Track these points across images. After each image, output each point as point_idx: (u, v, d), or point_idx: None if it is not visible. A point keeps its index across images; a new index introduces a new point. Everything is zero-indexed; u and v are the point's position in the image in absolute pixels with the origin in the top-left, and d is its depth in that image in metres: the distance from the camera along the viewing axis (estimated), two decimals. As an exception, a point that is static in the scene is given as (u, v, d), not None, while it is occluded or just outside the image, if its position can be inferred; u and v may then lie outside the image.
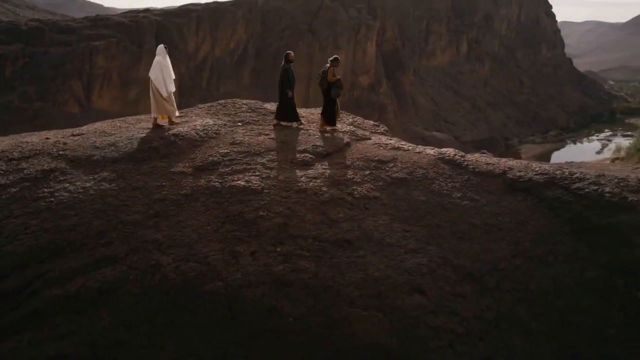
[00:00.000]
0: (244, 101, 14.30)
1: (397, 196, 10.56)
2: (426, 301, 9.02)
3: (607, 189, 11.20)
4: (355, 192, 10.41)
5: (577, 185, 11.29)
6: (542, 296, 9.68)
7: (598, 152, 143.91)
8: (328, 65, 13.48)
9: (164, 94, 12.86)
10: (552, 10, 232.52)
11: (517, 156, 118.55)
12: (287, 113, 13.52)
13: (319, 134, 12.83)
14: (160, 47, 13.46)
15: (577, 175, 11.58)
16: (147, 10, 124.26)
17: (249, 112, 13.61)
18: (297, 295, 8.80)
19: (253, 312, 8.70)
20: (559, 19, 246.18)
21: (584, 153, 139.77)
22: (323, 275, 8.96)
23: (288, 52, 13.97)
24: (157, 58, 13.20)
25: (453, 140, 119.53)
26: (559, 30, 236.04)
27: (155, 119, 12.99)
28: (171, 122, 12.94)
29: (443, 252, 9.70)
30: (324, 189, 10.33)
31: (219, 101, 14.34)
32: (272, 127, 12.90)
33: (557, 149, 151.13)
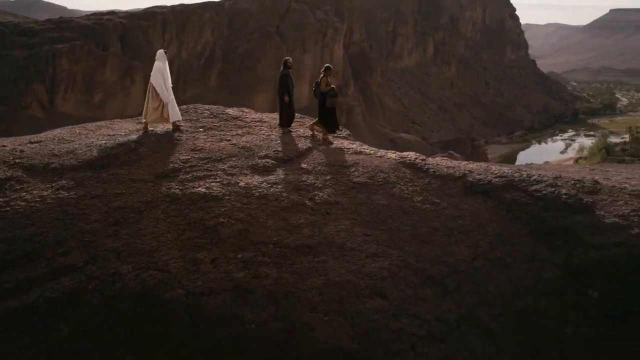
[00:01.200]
0: (206, 107, 14.21)
1: (358, 201, 10.61)
2: (387, 305, 9.09)
3: (564, 191, 11.43)
4: (317, 197, 10.44)
5: (534, 187, 11.50)
6: (502, 297, 9.83)
7: (562, 152, 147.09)
8: (322, 75, 13.45)
9: (165, 100, 12.73)
10: (516, 12, 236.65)
11: (483, 157, 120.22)
12: (284, 118, 13.61)
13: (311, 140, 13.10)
14: (160, 52, 13.25)
15: (535, 177, 11.80)
16: (111, 12, 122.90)
17: (211, 118, 13.54)
18: (259, 301, 8.79)
19: (214, 319, 8.67)
20: (522, 21, 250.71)
21: (548, 153, 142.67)
22: (284, 282, 8.97)
23: (287, 58, 13.96)
24: (157, 64, 13.04)
25: (420, 141, 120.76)
26: (522, 33, 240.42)
27: (146, 123, 12.87)
28: (175, 127, 12.88)
29: (404, 255, 9.78)
30: (285, 194, 10.33)
31: (181, 107, 14.21)
32: (239, 137, 12.84)
33: (523, 149, 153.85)
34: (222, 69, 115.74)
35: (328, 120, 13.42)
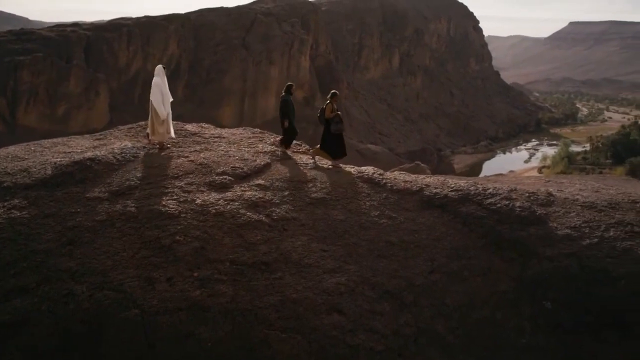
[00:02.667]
0: (165, 122, 14.11)
1: (315, 216, 10.66)
2: (345, 320, 9.12)
3: (518, 204, 11.67)
4: (274, 214, 10.45)
5: (489, 200, 11.71)
6: (459, 310, 9.95)
7: (526, 161, 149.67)
8: (328, 101, 13.48)
9: (162, 117, 12.69)
10: (480, 25, 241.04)
11: (450, 167, 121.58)
12: (285, 139, 13.74)
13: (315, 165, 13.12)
14: (159, 67, 13.22)
15: (490, 190, 12.02)
16: (75, 24, 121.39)
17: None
18: (215, 319, 8.74)
19: (170, 338, 8.58)
20: (486, 33, 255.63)
21: (513, 162, 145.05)
22: (241, 299, 8.94)
23: (290, 83, 14.10)
24: (155, 79, 13.00)
25: (387, 152, 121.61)
26: (486, 44, 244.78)
27: (152, 141, 12.92)
28: (161, 146, 12.79)
29: (361, 270, 9.84)
30: (242, 211, 10.32)
31: (139, 123, 14.11)
32: (195, 150, 12.79)
33: (488, 158, 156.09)
34: (188, 81, 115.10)
35: (333, 147, 13.38)
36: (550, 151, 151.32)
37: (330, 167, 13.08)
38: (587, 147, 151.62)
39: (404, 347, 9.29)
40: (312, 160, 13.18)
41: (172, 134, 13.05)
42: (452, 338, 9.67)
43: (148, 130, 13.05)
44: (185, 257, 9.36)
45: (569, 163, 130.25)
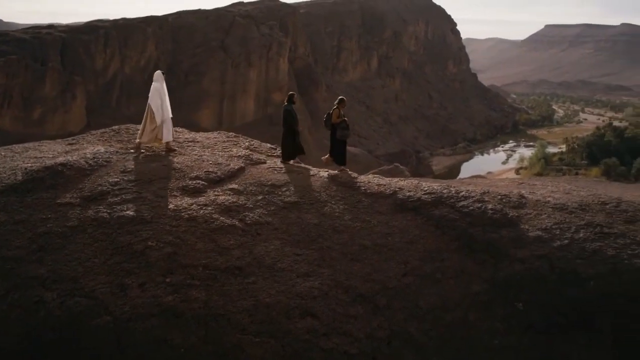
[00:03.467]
0: (138, 127, 13.98)
1: (289, 220, 10.66)
2: (318, 324, 9.14)
3: (490, 206, 11.79)
4: (247, 218, 10.43)
5: (462, 203, 11.81)
6: (432, 312, 10.01)
7: (504, 162, 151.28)
8: (335, 106, 13.48)
9: (158, 122, 12.75)
10: (457, 27, 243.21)
11: (428, 168, 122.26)
12: (293, 153, 13.63)
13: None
14: (158, 72, 13.33)
15: (463, 193, 12.12)
16: (50, 26, 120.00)
17: (143, 139, 13.38)
18: (188, 325, 8.71)
19: (143, 345, 8.53)
20: (463, 36, 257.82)
21: (491, 163, 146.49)
22: (214, 304, 8.92)
23: (292, 93, 14.05)
24: (154, 85, 13.06)
25: (366, 154, 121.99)
26: (464, 47, 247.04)
27: (139, 143, 12.92)
28: (170, 150, 12.87)
29: (334, 274, 9.87)
30: (215, 216, 10.29)
31: (113, 127, 14.00)
32: (171, 155, 12.74)
33: (466, 160, 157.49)
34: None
35: (336, 151, 13.49)
36: (527, 152, 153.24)
37: (336, 172, 13.11)
38: (563, 148, 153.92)
39: (378, 350, 9.33)
40: (326, 173, 12.97)
41: (171, 138, 13.15)
42: (426, 340, 9.72)
43: (138, 136, 13.14)
44: (157, 262, 9.32)
45: (545, 164, 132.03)
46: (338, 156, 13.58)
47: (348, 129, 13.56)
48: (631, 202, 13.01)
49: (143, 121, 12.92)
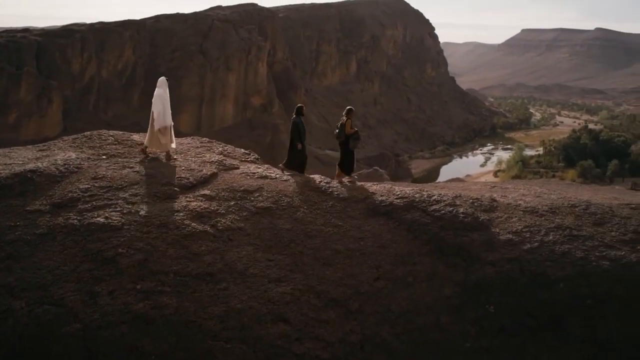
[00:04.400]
0: (111, 132, 13.88)
1: (261, 226, 10.67)
2: (290, 329, 9.16)
3: (462, 210, 11.91)
4: (219, 224, 10.41)
5: (434, 207, 11.92)
6: (404, 316, 10.07)
7: (482, 165, 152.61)
8: (344, 118, 13.59)
9: (159, 127, 12.85)
10: (435, 31, 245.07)
11: (407, 172, 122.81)
12: (295, 163, 13.66)
13: (337, 181, 13.18)
14: (162, 79, 13.32)
15: (435, 197, 12.23)
16: (26, 30, 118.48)
17: (115, 145, 13.25)
18: (159, 332, 8.66)
19: (113, 353, 8.47)
20: (441, 40, 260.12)
21: (469, 166, 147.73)
22: (185, 311, 8.89)
23: (300, 105, 14.07)
24: (157, 91, 13.11)
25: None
26: (442, 51, 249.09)
27: (145, 148, 13.04)
28: (168, 157, 12.94)
29: (307, 279, 9.90)
30: (187, 222, 10.25)
31: (85, 133, 13.85)
32: (142, 159, 12.68)
33: (445, 163, 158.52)
34: (144, 88, 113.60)
35: (347, 163, 13.67)
36: (505, 155, 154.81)
37: (348, 182, 13.28)
38: (540, 151, 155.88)
39: (350, 354, 9.37)
40: (340, 185, 12.95)
41: (174, 145, 13.30)
42: (398, 344, 9.78)
43: (145, 141, 13.24)
44: (128, 269, 9.26)
45: (523, 167, 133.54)
46: (348, 166, 13.73)
47: (360, 139, 13.91)
48: (600, 204, 13.24)
49: (149, 130, 13.08)
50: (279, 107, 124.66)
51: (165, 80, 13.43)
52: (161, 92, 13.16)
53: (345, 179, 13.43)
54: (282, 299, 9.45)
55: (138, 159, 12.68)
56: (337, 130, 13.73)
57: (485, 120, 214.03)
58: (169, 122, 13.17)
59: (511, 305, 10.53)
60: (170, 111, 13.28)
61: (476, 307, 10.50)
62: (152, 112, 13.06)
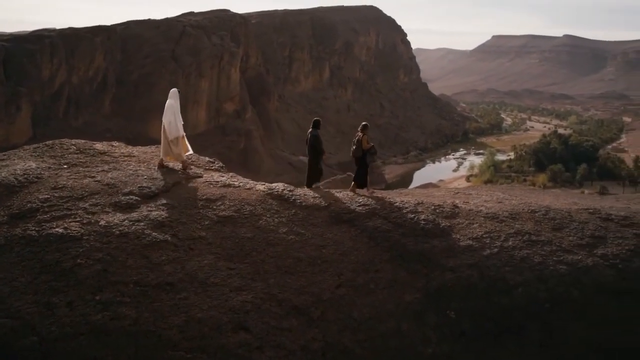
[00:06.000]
0: (73, 141, 13.73)
1: (223, 235, 10.67)
2: (251, 338, 9.17)
3: (423, 217, 12.07)
4: (180, 233, 10.39)
5: (395, 214, 12.06)
6: (366, 323, 10.15)
7: (455, 170, 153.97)
8: (360, 134, 13.86)
9: (170, 138, 13.00)
10: (407, 38, 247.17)
11: (381, 177, 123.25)
12: (315, 177, 14.02)
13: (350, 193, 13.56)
14: (174, 90, 13.60)
15: (397, 205, 12.37)
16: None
17: (77, 154, 13.11)
18: (118, 343, 8.61)
19: (71, 365, 8.40)
20: (413, 46, 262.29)
21: (442, 171, 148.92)
22: (144, 321, 8.84)
23: (317, 119, 14.23)
24: (169, 102, 13.27)
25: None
26: (414, 57, 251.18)
27: (162, 160, 13.19)
28: (185, 167, 13.13)
29: (268, 287, 9.92)
30: (147, 231, 10.20)
31: (46, 142, 13.69)
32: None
33: (418, 168, 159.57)
34: (115, 95, 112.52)
35: (361, 177, 14.00)
36: (477, 160, 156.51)
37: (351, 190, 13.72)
38: (512, 155, 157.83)
39: (313, 361, 9.42)
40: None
41: (190, 152, 13.59)
42: (360, 351, 9.85)
43: (160, 153, 13.42)
44: (86, 280, 9.18)
45: (495, 171, 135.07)
46: (363, 179, 14.04)
47: (376, 153, 14.33)
48: (559, 209, 13.53)
49: (162, 141, 13.25)
50: (252, 113, 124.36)
51: (177, 92, 13.67)
52: (172, 102, 13.34)
53: (366, 192, 13.76)
54: (243, 307, 9.47)
55: (157, 172, 12.77)
56: (353, 147, 14.04)
57: (457, 126, 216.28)
58: (181, 132, 13.33)
59: (471, 310, 10.70)
60: (181, 121, 13.46)
61: (437, 313, 10.64)
62: (163, 123, 13.19)
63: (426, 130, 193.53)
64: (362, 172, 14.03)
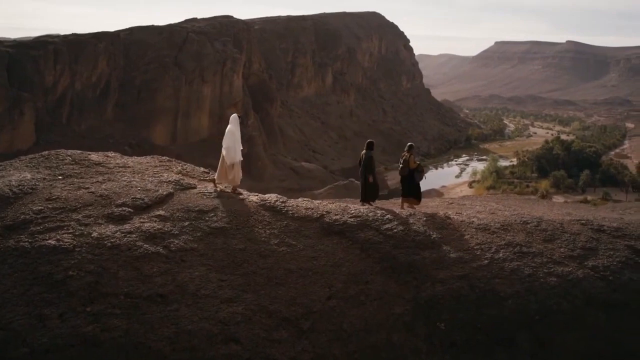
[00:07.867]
0: (69, 152, 13.83)
1: (215, 246, 10.75)
2: (241, 349, 9.24)
3: (414, 228, 12.14)
4: (172, 245, 10.47)
5: (387, 226, 12.13)
6: (356, 334, 10.21)
7: (457, 176, 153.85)
8: (407, 154, 14.79)
9: (229, 162, 13.31)
10: (410, 44, 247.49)
11: (383, 183, 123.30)
12: (371, 194, 14.72)
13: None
14: (234, 116, 13.91)
15: (388, 216, 12.44)
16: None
17: (72, 165, 13.21)
18: (108, 355, 8.69)
19: (61, 376, 8.48)
20: (416, 52, 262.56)
21: (445, 177, 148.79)
22: (134, 333, 8.93)
23: (371, 140, 14.95)
24: (230, 127, 13.58)
25: (322, 170, 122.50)
26: (417, 63, 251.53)
27: (215, 180, 13.63)
28: (234, 191, 13.36)
29: (259, 299, 10.00)
30: (139, 243, 10.29)
31: (42, 153, 13.80)
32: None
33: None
34: (118, 100, 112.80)
35: (416, 192, 14.96)
36: (480, 166, 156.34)
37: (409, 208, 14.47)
38: (514, 161, 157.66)
39: (302, 373, 9.48)
40: (409, 212, 13.63)
41: (237, 182, 13.71)
42: (350, 362, 9.92)
43: (215, 176, 13.79)
44: (78, 292, 9.28)
45: (497, 177, 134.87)
46: (417, 193, 15.06)
47: (423, 171, 15.31)
48: (551, 221, 13.58)
49: (220, 164, 13.55)
50: (254, 119, 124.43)
51: (238, 118, 13.93)
52: (233, 128, 13.56)
53: (415, 206, 14.71)
54: (234, 319, 9.55)
55: (211, 191, 13.06)
56: (400, 166, 14.88)
57: (460, 132, 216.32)
58: (238, 158, 13.54)
59: (461, 321, 10.75)
60: (240, 148, 13.72)
61: (427, 324, 10.69)
62: (223, 148, 13.50)
63: (429, 136, 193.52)
64: (415, 188, 14.92)
